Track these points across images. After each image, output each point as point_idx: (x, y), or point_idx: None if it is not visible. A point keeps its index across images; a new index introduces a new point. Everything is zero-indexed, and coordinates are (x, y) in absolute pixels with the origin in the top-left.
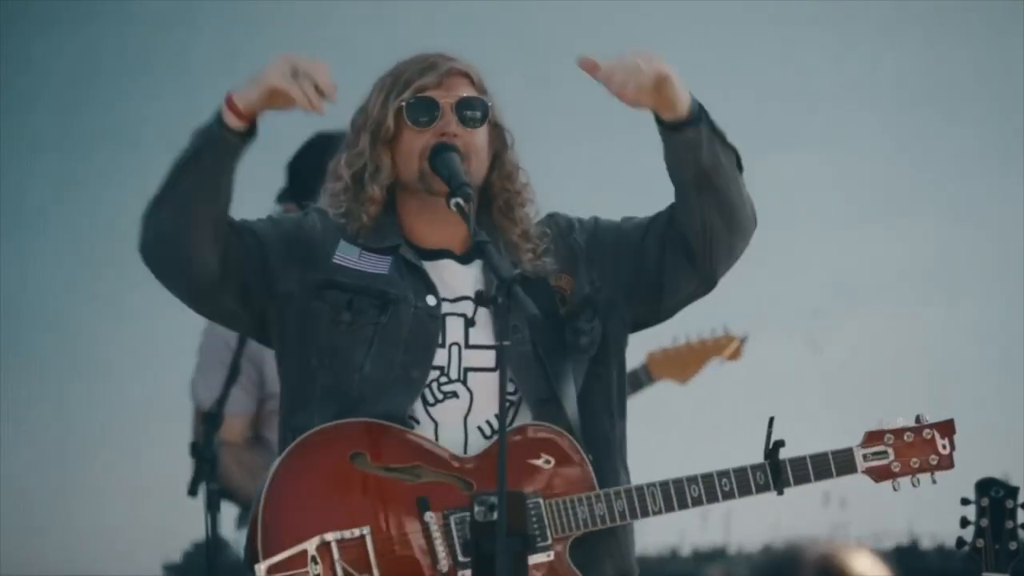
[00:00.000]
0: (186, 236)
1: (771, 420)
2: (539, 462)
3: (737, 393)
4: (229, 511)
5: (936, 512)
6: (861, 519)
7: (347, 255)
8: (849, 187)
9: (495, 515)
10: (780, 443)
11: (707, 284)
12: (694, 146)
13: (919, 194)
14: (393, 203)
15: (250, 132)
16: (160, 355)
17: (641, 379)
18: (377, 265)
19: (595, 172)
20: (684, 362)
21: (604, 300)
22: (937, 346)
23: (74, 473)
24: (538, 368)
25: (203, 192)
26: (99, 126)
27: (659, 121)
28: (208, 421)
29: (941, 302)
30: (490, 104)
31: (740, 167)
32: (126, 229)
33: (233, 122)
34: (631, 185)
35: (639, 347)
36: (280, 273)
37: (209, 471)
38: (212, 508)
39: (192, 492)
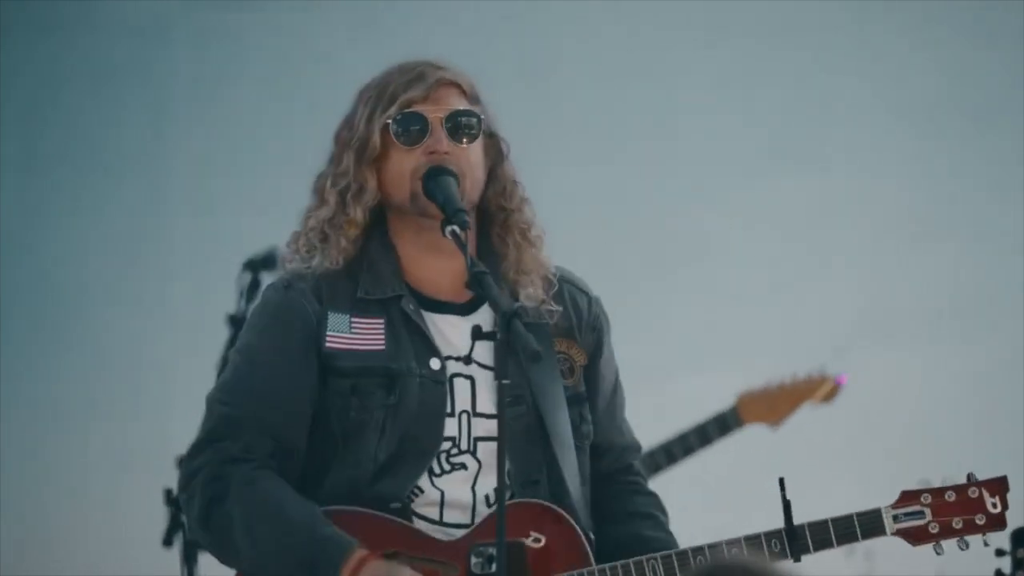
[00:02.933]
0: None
1: (782, 481)
2: (528, 541)
3: (752, 441)
4: (205, 562)
5: (969, 564)
6: (887, 571)
7: (338, 333)
8: (874, 213)
9: (493, 567)
10: (789, 505)
11: None
12: None
13: (950, 220)
14: (386, 235)
15: None
16: (135, 398)
17: (729, 423)
18: (371, 338)
19: (598, 190)
20: (775, 404)
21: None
22: (970, 385)
23: (45, 521)
24: (539, 441)
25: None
26: (64, 144)
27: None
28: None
29: (975, 339)
30: (483, 115)
31: None
32: (97, 258)
33: None
34: (634, 204)
35: (728, 388)
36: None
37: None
38: (189, 560)
39: (167, 542)
